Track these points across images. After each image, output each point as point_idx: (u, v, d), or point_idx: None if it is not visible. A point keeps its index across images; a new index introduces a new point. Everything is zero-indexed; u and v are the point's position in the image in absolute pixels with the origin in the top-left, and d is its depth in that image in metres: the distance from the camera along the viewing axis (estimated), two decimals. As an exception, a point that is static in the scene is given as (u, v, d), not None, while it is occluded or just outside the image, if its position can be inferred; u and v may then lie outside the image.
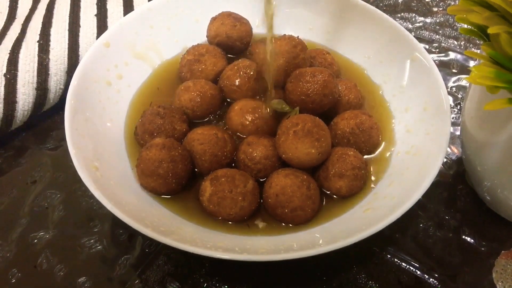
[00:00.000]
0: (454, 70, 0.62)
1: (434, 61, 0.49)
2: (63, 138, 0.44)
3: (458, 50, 0.65)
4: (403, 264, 0.43)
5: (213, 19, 0.55)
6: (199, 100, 0.48)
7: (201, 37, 0.57)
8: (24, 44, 0.54)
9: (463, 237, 0.45)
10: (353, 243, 0.35)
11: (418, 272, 0.43)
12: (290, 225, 0.41)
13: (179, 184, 0.43)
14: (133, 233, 0.44)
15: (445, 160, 0.51)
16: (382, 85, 0.54)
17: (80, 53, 0.55)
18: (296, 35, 0.50)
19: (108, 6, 0.61)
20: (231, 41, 0.55)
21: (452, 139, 0.53)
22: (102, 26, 0.58)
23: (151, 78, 0.54)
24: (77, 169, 0.39)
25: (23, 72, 0.51)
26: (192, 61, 0.52)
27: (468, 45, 0.66)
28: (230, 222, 0.41)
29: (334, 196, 0.44)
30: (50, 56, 0.53)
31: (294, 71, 0.47)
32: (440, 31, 0.68)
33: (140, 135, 0.46)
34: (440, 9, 0.72)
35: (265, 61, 0.46)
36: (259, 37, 0.56)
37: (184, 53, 0.53)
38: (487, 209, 0.47)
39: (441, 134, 0.43)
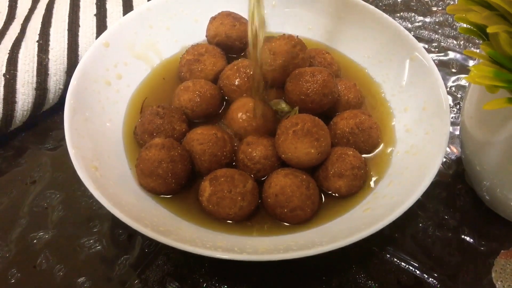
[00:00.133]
0: (453, 70, 0.62)
1: (434, 60, 0.49)
2: (62, 138, 0.44)
3: (458, 49, 0.65)
4: (403, 263, 0.43)
5: (213, 19, 0.55)
6: (198, 100, 0.48)
7: (201, 37, 0.57)
8: (23, 44, 0.54)
9: (463, 236, 0.45)
10: (352, 242, 0.35)
11: (418, 272, 0.43)
12: (290, 224, 0.41)
13: (179, 184, 0.43)
14: (132, 233, 0.44)
15: (444, 159, 0.51)
16: (382, 85, 0.54)
17: (79, 53, 0.55)
18: (295, 35, 0.50)
19: (108, 6, 0.61)
20: (231, 41, 0.55)
21: (452, 138, 0.53)
22: (101, 26, 0.58)
23: (151, 78, 0.54)
24: (76, 169, 0.39)
25: (22, 72, 0.51)
26: (191, 61, 0.52)
27: (467, 44, 0.66)
28: (229, 222, 0.41)
29: (334, 196, 0.44)
30: (50, 56, 0.53)
31: (294, 71, 0.47)
32: (440, 31, 0.68)
33: (139, 135, 0.46)
34: (440, 8, 0.72)
35: (255, 60, 0.45)
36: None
37: (184, 53, 0.53)
38: (486, 209, 0.47)
39: (441, 134, 0.43)
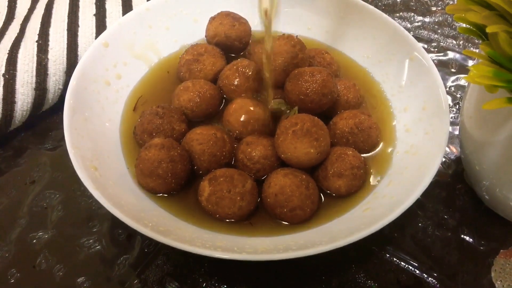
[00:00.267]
0: (453, 70, 0.62)
1: (433, 60, 0.49)
2: (62, 138, 0.44)
3: (457, 49, 0.65)
4: (402, 263, 0.43)
5: (212, 19, 0.55)
6: (198, 100, 0.48)
7: (200, 37, 0.57)
8: (23, 44, 0.54)
9: (462, 236, 0.45)
10: (352, 242, 0.35)
11: (417, 272, 0.43)
12: (289, 224, 0.41)
13: (178, 184, 0.43)
14: (132, 233, 0.44)
15: (444, 159, 0.51)
16: (381, 85, 0.54)
17: (79, 53, 0.55)
18: (295, 35, 0.50)
19: (107, 6, 0.61)
20: (230, 41, 0.54)
21: (451, 138, 0.53)
22: (101, 26, 0.58)
23: (150, 78, 0.54)
24: (76, 169, 0.39)
25: (22, 72, 0.51)
26: (191, 61, 0.52)
27: (467, 44, 0.66)
28: (229, 222, 0.41)
29: (333, 195, 0.44)
30: (49, 56, 0.53)
31: (293, 70, 0.47)
32: (439, 31, 0.68)
33: (139, 135, 0.46)
34: (439, 8, 0.72)
35: (262, 60, 0.46)
36: (259, 35, 0.56)
37: (183, 53, 0.53)
38: (485, 208, 0.47)
39: (440, 134, 0.43)
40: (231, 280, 0.42)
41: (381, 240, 0.44)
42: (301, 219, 0.41)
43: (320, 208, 0.43)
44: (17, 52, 0.53)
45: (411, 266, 0.43)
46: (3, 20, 0.61)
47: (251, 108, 0.47)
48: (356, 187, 0.44)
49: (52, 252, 0.43)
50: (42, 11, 0.60)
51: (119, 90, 0.51)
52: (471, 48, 0.66)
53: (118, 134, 0.48)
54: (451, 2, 0.74)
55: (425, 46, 0.65)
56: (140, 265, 0.42)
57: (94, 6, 0.61)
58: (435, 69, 0.47)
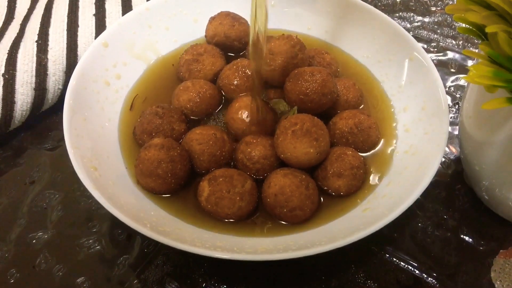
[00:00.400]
0: (452, 70, 0.62)
1: (433, 60, 0.49)
2: (61, 138, 0.44)
3: (456, 49, 0.65)
4: (402, 263, 0.43)
5: (212, 19, 0.55)
6: (198, 100, 0.48)
7: (200, 37, 0.57)
8: (22, 44, 0.54)
9: (462, 236, 0.45)
10: (351, 242, 0.35)
11: (417, 272, 0.43)
12: (289, 224, 0.41)
13: (178, 184, 0.43)
14: (131, 233, 0.44)
15: (443, 159, 0.51)
16: (381, 85, 0.54)
17: (78, 53, 0.55)
18: (294, 35, 0.50)
19: (107, 6, 0.61)
20: (229, 41, 0.55)
21: (450, 138, 0.53)
22: (100, 26, 0.58)
23: (150, 78, 0.54)
24: (75, 169, 0.39)
25: (21, 72, 0.51)
26: (190, 60, 0.52)
27: (466, 44, 0.66)
28: (229, 222, 0.41)
29: (333, 196, 0.44)
30: (49, 56, 0.53)
31: (293, 70, 0.47)
32: (439, 31, 0.68)
33: (138, 135, 0.46)
34: (438, 8, 0.72)
35: (255, 58, 0.45)
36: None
37: (183, 53, 0.53)
38: (485, 209, 0.47)
39: (440, 134, 0.43)
40: (231, 280, 0.42)
41: (380, 240, 0.44)
42: (301, 219, 0.41)
43: (319, 208, 0.43)
44: (16, 52, 0.53)
45: (410, 266, 0.43)
46: (2, 20, 0.61)
47: (255, 107, 0.47)
48: (356, 187, 0.44)
49: (52, 252, 0.43)
50: (42, 11, 0.60)
51: (119, 90, 0.51)
52: (471, 48, 0.66)
53: (118, 134, 0.48)
54: (450, 2, 0.74)
55: (425, 46, 0.65)
56: (140, 265, 0.42)
57: (93, 6, 0.61)
58: (434, 69, 0.47)
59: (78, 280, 0.41)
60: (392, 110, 0.51)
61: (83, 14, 0.59)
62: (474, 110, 0.41)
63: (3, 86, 0.50)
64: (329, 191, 0.44)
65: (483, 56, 0.33)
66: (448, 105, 0.45)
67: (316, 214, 0.42)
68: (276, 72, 0.48)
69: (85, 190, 0.38)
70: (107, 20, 0.59)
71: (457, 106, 0.57)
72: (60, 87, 0.54)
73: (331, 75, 0.46)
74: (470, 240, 0.45)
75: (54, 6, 0.61)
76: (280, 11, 0.59)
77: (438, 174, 0.49)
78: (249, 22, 0.55)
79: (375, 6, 0.61)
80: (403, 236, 0.45)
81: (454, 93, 0.59)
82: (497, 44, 0.32)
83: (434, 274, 0.42)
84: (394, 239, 0.45)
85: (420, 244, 0.44)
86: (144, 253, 0.43)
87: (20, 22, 0.59)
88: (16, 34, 0.56)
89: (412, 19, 0.70)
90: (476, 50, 0.63)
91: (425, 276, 0.42)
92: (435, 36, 0.67)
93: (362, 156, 0.46)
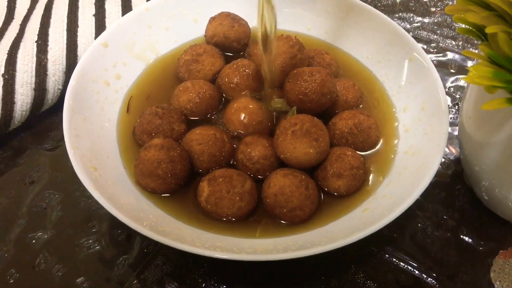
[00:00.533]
0: (452, 70, 0.62)
1: (432, 61, 0.49)
2: (61, 139, 0.44)
3: (456, 50, 0.65)
4: (402, 263, 0.43)
5: (212, 19, 0.55)
6: (198, 100, 0.48)
7: (200, 37, 0.57)
8: (22, 45, 0.54)
9: (461, 236, 0.45)
10: (351, 242, 0.35)
11: (416, 272, 0.43)
12: (289, 224, 0.41)
13: (178, 184, 0.43)
14: (131, 233, 0.44)
15: (443, 160, 0.51)
16: (381, 85, 0.54)
17: (78, 53, 0.55)
18: (293, 35, 0.50)
19: (107, 6, 0.61)
20: (229, 42, 0.55)
21: (450, 139, 0.53)
22: (100, 26, 0.58)
23: (150, 78, 0.54)
24: (75, 169, 0.39)
25: (21, 72, 0.51)
26: (190, 61, 0.52)
27: (466, 45, 0.66)
28: (228, 222, 0.41)
29: (333, 196, 0.44)
30: (49, 56, 0.53)
31: (292, 70, 0.47)
32: (438, 31, 0.68)
33: (138, 135, 0.46)
34: (438, 9, 0.72)
35: (261, 59, 0.46)
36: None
37: (182, 53, 0.53)
38: (485, 209, 0.47)
39: (439, 134, 0.43)
40: (231, 280, 0.42)
41: (380, 240, 0.44)
42: (301, 219, 0.41)
43: (319, 209, 0.43)
44: (16, 52, 0.53)
45: (410, 266, 0.43)
46: (2, 20, 0.61)
47: (254, 108, 0.47)
48: (356, 188, 0.44)
49: (52, 252, 0.43)
50: (42, 11, 0.60)
51: (119, 90, 0.51)
52: (471, 49, 0.66)
53: (118, 134, 0.48)
54: (450, 3, 0.74)
55: (425, 46, 0.65)
56: (140, 265, 0.42)
57: (93, 6, 0.61)
58: (434, 70, 0.47)
59: (77, 280, 0.41)
60: (393, 110, 0.51)
61: (83, 14, 0.59)
62: (474, 111, 0.41)
63: (3, 87, 0.50)
64: (329, 192, 0.44)
65: (482, 57, 0.33)
66: (448, 105, 0.45)
67: (316, 215, 0.42)
68: (275, 73, 0.48)
69: (84, 190, 0.38)
70: (107, 20, 0.59)
71: (457, 106, 0.57)
72: (60, 87, 0.54)
73: (330, 75, 0.46)
74: (470, 240, 0.45)
75: (54, 6, 0.61)
76: (280, 12, 0.59)
77: (438, 174, 0.49)
78: (252, 22, 0.56)
79: (375, 6, 0.61)
80: (403, 237, 0.45)
81: (454, 94, 0.59)
82: (497, 45, 0.32)
83: (434, 274, 0.42)
84: (394, 239, 0.45)
85: (419, 245, 0.44)
86: (144, 253, 0.43)
87: (20, 22, 0.59)
88: (16, 34, 0.56)
89: (412, 19, 0.70)
90: (476, 51, 0.63)
91: (425, 276, 0.42)
92: (435, 36, 0.67)
93: (362, 156, 0.46)
